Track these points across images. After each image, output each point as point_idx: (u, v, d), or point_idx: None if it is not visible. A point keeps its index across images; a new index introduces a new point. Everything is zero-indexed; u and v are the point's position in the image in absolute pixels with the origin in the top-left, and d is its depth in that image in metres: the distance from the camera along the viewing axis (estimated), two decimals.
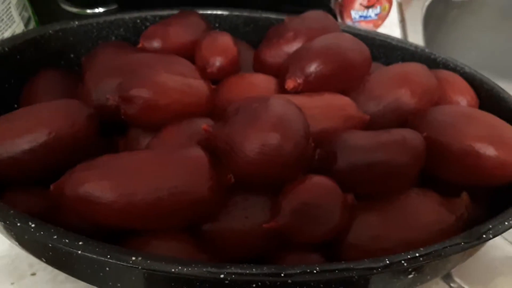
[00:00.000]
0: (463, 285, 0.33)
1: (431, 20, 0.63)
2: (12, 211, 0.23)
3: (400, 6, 0.61)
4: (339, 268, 0.21)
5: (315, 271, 0.21)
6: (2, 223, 0.22)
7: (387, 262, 0.22)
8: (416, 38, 0.57)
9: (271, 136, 0.25)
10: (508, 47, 0.70)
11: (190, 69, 0.35)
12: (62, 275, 0.32)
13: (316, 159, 0.29)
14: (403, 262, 0.22)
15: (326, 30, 0.39)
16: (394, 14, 0.59)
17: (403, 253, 0.22)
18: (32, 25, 0.45)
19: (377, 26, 0.56)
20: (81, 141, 0.29)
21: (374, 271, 0.21)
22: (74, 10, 0.49)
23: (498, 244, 0.36)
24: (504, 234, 0.37)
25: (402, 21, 0.59)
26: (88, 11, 0.49)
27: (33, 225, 0.22)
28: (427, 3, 0.64)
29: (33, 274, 0.32)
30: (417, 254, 0.22)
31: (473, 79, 0.39)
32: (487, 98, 0.38)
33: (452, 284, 0.34)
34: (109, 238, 0.25)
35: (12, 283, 0.32)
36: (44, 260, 0.25)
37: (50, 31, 0.39)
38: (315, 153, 0.29)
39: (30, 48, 0.38)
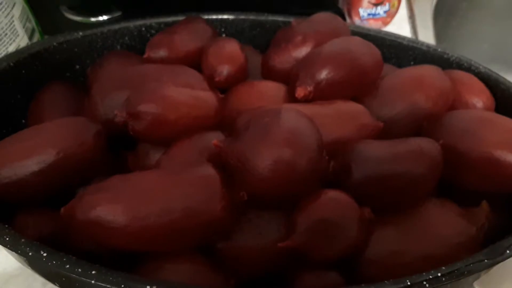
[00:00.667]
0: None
1: (441, 15, 0.61)
2: (23, 240, 0.22)
3: (409, 1, 0.60)
4: None
5: None
6: (14, 253, 0.22)
7: (408, 283, 0.21)
8: (426, 33, 0.56)
9: (284, 152, 0.25)
10: None
11: (198, 80, 0.34)
12: None
13: (331, 172, 0.28)
14: (424, 283, 0.21)
15: (335, 33, 0.38)
16: (403, 10, 0.58)
17: (424, 273, 0.21)
18: (36, 36, 0.44)
19: (386, 23, 0.54)
20: (89, 159, 0.29)
21: None
22: (77, 18, 0.48)
23: None
24: None
25: (412, 17, 0.57)
26: (92, 19, 0.48)
27: (45, 254, 0.21)
28: None
29: None
30: (439, 274, 0.21)
31: (488, 79, 0.38)
32: (503, 98, 0.37)
33: None
34: (122, 260, 0.25)
35: None
36: (57, 284, 0.25)
37: (55, 44, 0.39)
38: (329, 165, 0.28)
39: (35, 62, 0.38)
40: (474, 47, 0.68)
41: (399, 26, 0.56)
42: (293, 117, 0.27)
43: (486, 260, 0.23)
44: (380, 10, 0.53)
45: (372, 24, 0.54)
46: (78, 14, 0.49)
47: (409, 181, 0.27)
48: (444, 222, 0.27)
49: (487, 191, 0.29)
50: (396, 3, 0.53)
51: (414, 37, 0.56)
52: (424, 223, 0.27)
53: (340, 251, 0.25)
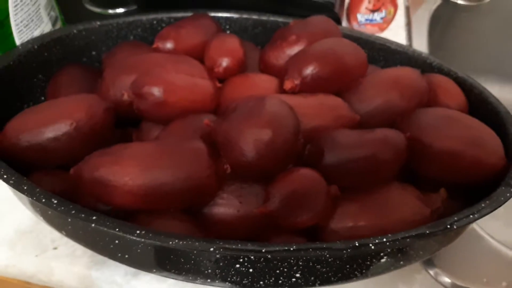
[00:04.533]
0: (443, 273, 0.36)
1: (438, 24, 0.64)
2: (38, 189, 0.27)
3: (407, 9, 0.63)
4: (313, 247, 0.24)
5: (291, 249, 0.24)
6: (30, 199, 0.26)
7: (356, 244, 0.25)
8: (421, 41, 0.59)
9: (263, 132, 0.29)
10: None
11: (199, 69, 0.39)
12: (80, 250, 0.36)
13: (306, 154, 0.32)
14: (370, 245, 0.25)
15: (327, 35, 0.42)
16: (401, 17, 0.61)
17: (371, 238, 0.25)
18: (59, 24, 0.49)
19: (383, 29, 0.58)
20: (98, 131, 0.33)
21: (344, 251, 0.24)
22: (97, 10, 0.53)
23: (480, 236, 0.39)
24: (485, 227, 0.39)
25: (408, 24, 0.61)
26: (110, 11, 0.53)
27: (55, 201, 0.26)
28: (434, 7, 0.66)
29: (55, 248, 0.36)
30: (384, 239, 0.25)
31: (464, 83, 0.41)
32: (477, 102, 0.40)
33: (431, 271, 0.36)
34: (120, 216, 0.29)
35: (36, 256, 0.36)
36: (64, 233, 0.29)
37: (75, 31, 0.44)
38: (305, 148, 0.32)
39: (56, 46, 0.42)
40: (469, 57, 0.71)
41: (395, 33, 0.60)
42: (275, 104, 0.31)
43: (427, 232, 0.26)
44: (377, 16, 0.56)
45: (369, 29, 0.58)
46: (98, 6, 0.53)
47: (374, 164, 0.30)
48: (402, 202, 0.30)
49: (446, 181, 0.33)
50: (392, 10, 0.56)
51: (408, 44, 0.59)
52: (384, 202, 0.30)
53: (307, 219, 0.29)
